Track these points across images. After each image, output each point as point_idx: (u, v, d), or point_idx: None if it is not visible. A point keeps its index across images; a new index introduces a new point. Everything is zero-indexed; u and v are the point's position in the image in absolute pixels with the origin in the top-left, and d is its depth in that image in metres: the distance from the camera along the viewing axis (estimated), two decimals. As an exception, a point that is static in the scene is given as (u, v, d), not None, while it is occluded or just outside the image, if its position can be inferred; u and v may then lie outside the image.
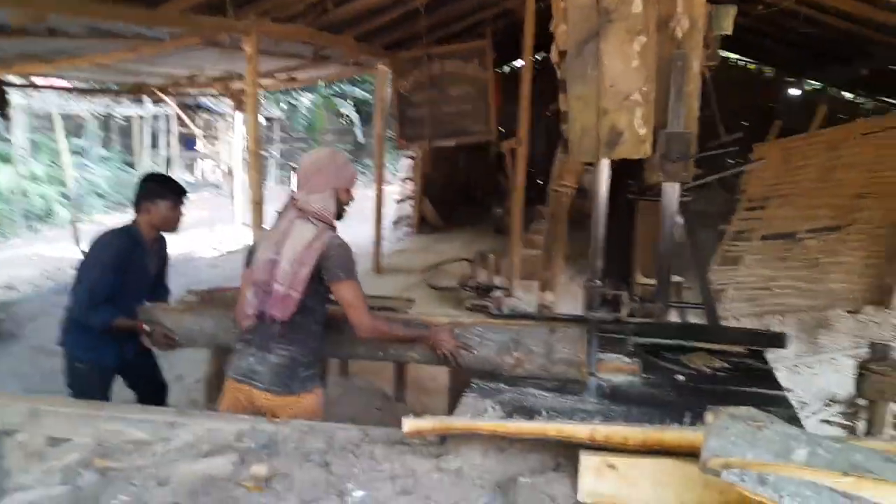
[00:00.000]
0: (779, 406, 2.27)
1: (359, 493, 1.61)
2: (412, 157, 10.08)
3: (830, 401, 4.42)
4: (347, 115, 18.95)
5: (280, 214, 2.42)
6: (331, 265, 2.28)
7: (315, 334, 2.42)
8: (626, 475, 1.57)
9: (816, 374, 4.84)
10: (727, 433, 1.41)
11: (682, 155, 2.35)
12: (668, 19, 2.32)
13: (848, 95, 10.56)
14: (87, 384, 2.89)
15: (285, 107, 18.18)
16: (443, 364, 2.54)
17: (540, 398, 2.23)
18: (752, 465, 1.35)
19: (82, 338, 2.89)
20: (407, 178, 10.63)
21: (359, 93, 18.59)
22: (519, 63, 9.54)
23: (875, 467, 1.32)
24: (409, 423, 1.74)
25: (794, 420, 2.17)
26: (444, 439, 1.77)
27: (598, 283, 2.48)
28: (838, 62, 8.56)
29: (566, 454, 1.68)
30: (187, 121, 10.54)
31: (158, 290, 3.12)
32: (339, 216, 2.42)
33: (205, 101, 13.12)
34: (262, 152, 9.09)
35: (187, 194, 3.05)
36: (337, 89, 18.60)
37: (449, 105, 7.24)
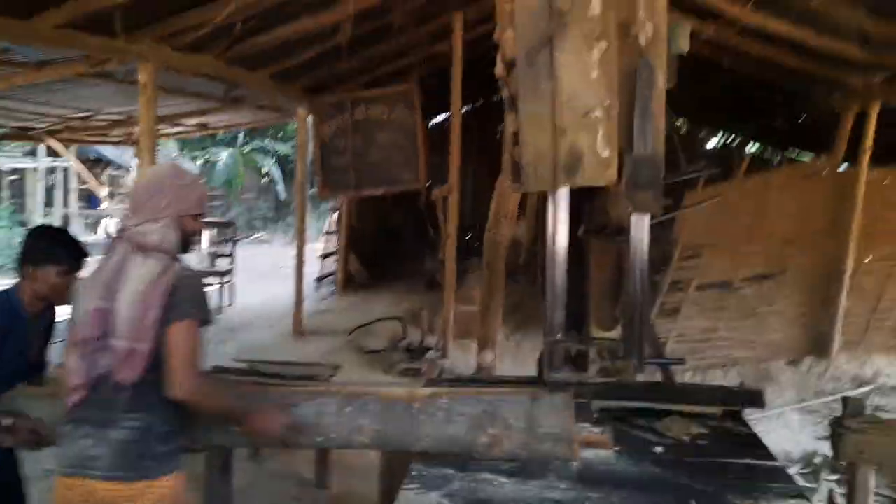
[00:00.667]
0: (778, 480, 1.91)
1: None
2: (337, 210, 9.58)
3: (788, 461, 4.13)
4: (269, 173, 18.28)
5: (106, 251, 1.88)
6: (179, 299, 1.76)
7: None
8: None
9: (767, 432, 4.56)
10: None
11: (653, 182, 2.00)
12: (628, 26, 2.02)
13: (756, 149, 11.01)
14: None
15: (201, 162, 17.37)
16: (277, 445, 2.09)
17: (497, 486, 1.78)
18: None
19: None
20: (331, 232, 10.06)
21: (282, 148, 18.03)
22: (444, 117, 9.40)
23: None
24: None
25: (801, 497, 1.81)
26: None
27: (560, 338, 2.05)
28: (750, 116, 8.95)
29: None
30: (87, 175, 9.55)
31: (35, 368, 2.40)
32: (184, 249, 1.91)
33: (109, 154, 12.19)
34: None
35: (86, 257, 2.33)
36: (259, 144, 18.01)
37: (375, 152, 6.88)
